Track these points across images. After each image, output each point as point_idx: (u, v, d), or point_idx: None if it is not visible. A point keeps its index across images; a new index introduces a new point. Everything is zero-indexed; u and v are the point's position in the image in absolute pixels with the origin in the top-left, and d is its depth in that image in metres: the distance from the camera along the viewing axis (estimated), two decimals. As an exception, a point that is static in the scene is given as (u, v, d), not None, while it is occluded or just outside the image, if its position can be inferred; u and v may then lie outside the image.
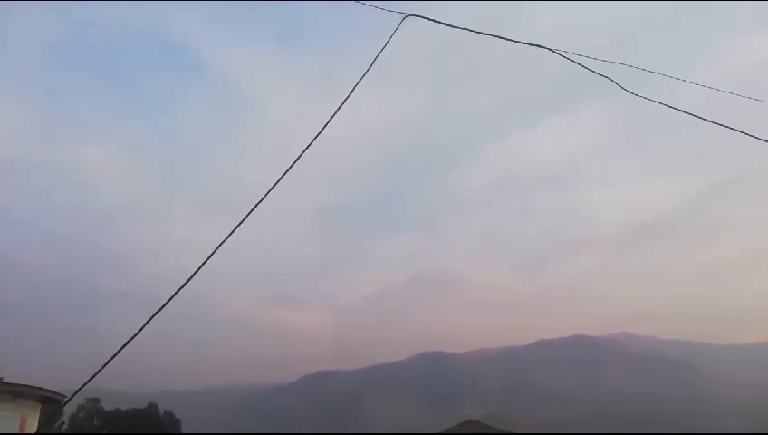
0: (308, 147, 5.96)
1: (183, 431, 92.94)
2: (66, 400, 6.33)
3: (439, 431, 36.00)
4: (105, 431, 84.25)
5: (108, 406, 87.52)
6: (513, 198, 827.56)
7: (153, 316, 5.06)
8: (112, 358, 4.99)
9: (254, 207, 5.45)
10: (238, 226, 5.31)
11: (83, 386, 4.95)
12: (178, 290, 5.10)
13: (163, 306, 5.04)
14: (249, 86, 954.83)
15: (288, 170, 5.73)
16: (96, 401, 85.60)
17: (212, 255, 5.21)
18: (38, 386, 17.44)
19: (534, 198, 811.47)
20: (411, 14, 7.27)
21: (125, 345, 4.98)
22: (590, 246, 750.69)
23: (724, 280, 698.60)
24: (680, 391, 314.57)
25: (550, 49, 7.91)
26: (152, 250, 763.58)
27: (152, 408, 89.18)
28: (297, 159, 5.83)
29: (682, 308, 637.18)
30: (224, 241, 5.25)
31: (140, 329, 5.07)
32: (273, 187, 5.63)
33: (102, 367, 4.99)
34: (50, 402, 19.08)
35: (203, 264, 5.19)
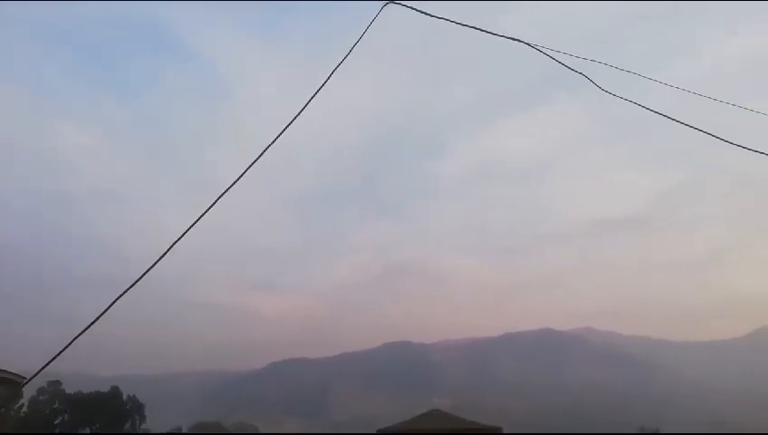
0: (279, 135, 5.92)
1: (146, 415, 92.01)
2: (25, 382, 6.19)
3: (404, 421, 36.34)
4: (66, 414, 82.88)
5: (70, 389, 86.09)
6: (485, 190, 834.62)
7: (117, 299, 4.99)
8: (74, 340, 4.91)
9: (221, 195, 5.40)
10: (205, 212, 5.26)
11: (43, 368, 4.87)
12: (144, 274, 5.04)
13: (127, 290, 4.97)
14: (231, 70, 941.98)
15: (258, 157, 5.69)
16: (57, 383, 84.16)
17: (179, 239, 5.16)
18: (-4, 367, 17.07)
19: (507, 190, 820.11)
20: (392, 1, 7.19)
21: (88, 327, 4.91)
22: (559, 240, 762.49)
23: (686, 278, 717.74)
24: (638, 386, 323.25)
25: (528, 44, 8.00)
26: (133, 234, 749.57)
27: (115, 391, 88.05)
28: (267, 148, 5.79)
29: (645, 305, 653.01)
30: (190, 227, 5.20)
31: (104, 311, 4.99)
32: (244, 173, 5.59)
33: (64, 349, 4.91)
34: (8, 384, 18.70)
35: (170, 248, 5.14)
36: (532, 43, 8.00)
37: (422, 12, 7.51)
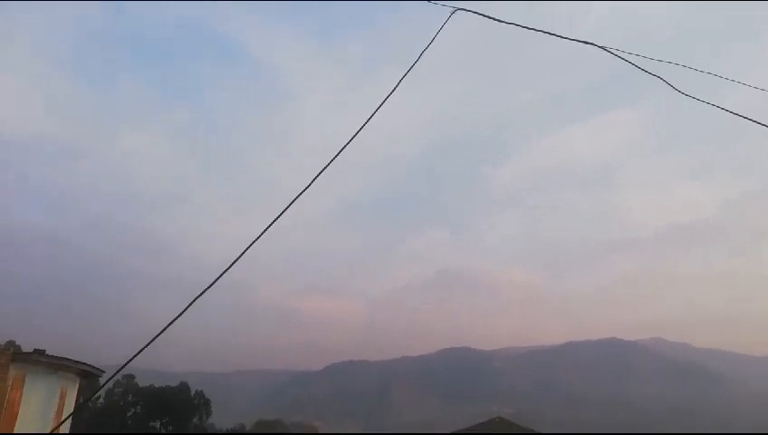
0: (350, 141, 6.00)
1: (212, 411, 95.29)
2: (109, 378, 6.51)
3: (467, 427, 35.99)
4: (138, 407, 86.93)
5: (143, 383, 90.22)
6: (547, 197, 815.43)
7: (195, 300, 5.18)
8: (156, 337, 5.14)
9: (297, 196, 5.52)
10: (280, 215, 5.39)
11: (127, 363, 5.11)
12: (220, 276, 5.21)
13: (205, 290, 5.16)
14: (290, 78, 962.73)
15: (330, 163, 5.80)
16: (131, 377, 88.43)
17: (254, 242, 5.31)
18: (78, 360, 18.09)
19: (569, 197, 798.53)
20: (460, 9, 7.11)
21: (168, 326, 5.12)
22: (625, 248, 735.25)
23: (758, 290, 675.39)
24: (710, 400, 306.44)
25: (600, 46, 7.69)
26: (191, 235, 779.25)
27: (184, 386, 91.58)
28: (339, 153, 5.88)
29: (715, 316, 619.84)
30: (265, 229, 5.34)
31: (182, 311, 5.20)
32: (315, 178, 5.70)
33: (145, 346, 5.14)
34: (88, 376, 19.78)
35: (244, 251, 5.29)
36: (603, 45, 7.71)
37: (491, 17, 7.37)
